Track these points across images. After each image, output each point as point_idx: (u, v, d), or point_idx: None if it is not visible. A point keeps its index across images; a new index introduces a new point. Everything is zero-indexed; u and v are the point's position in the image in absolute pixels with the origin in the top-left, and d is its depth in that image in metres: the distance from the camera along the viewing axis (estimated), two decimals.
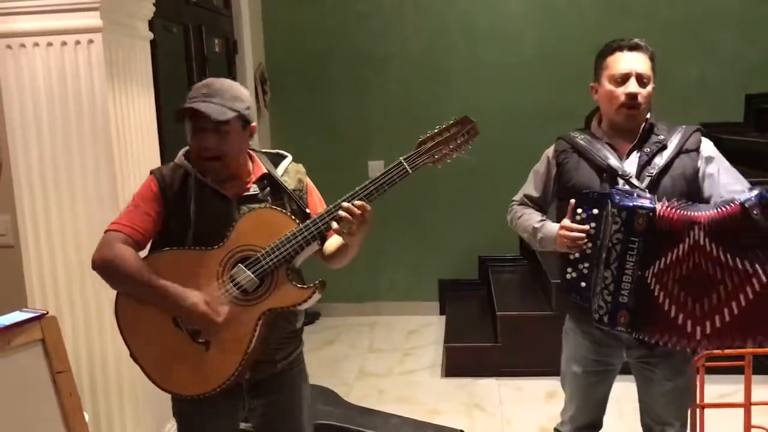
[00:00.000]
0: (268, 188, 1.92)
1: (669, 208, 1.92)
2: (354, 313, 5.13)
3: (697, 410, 2.67)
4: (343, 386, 3.87)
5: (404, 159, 1.82)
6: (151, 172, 1.94)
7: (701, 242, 1.87)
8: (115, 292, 2.62)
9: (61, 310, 2.58)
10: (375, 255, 5.12)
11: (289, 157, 2.02)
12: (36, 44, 2.50)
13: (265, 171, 1.93)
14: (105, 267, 1.83)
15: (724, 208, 1.87)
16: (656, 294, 1.94)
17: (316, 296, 1.83)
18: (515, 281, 4.79)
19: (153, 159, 2.86)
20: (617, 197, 1.98)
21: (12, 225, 2.67)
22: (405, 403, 3.72)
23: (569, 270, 2.09)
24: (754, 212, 1.81)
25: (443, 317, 4.84)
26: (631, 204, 1.95)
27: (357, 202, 1.77)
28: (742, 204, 1.84)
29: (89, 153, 2.55)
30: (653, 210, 1.92)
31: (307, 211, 1.91)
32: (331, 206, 1.82)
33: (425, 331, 4.85)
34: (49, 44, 2.49)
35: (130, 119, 2.68)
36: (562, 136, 2.24)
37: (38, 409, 1.99)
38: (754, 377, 2.76)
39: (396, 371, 4.20)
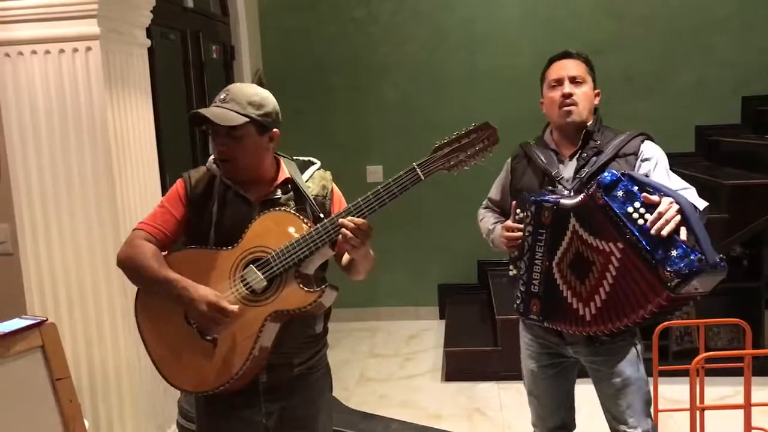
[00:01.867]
0: (291, 193, 1.94)
1: (566, 201, 2.04)
2: (354, 319, 5.12)
3: (698, 412, 2.67)
4: (343, 391, 3.87)
5: (417, 165, 1.81)
6: (181, 175, 1.99)
7: (576, 228, 2.01)
8: (114, 298, 2.64)
9: (61, 317, 2.58)
10: (374, 260, 5.11)
11: (317, 164, 2.04)
12: (34, 52, 2.50)
13: (288, 176, 1.95)
14: (125, 262, 1.89)
15: (580, 196, 2.01)
16: (557, 282, 2.06)
17: (326, 300, 1.83)
18: None
19: (151, 166, 2.87)
20: (533, 195, 2.12)
21: (11, 233, 2.67)
22: (406, 407, 3.71)
23: (511, 267, 2.20)
24: (597, 196, 1.92)
25: (443, 322, 4.83)
26: (538, 198, 2.09)
27: (357, 220, 1.78)
28: (587, 192, 1.98)
29: (88, 160, 2.56)
30: (557, 203, 2.04)
31: (322, 216, 1.91)
32: (341, 211, 1.83)
33: (425, 335, 4.85)
34: (47, 52, 2.50)
35: (128, 126, 2.68)
36: (521, 143, 2.36)
37: (38, 416, 1.99)
38: (754, 379, 2.75)
39: (396, 376, 4.19)
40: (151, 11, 2.82)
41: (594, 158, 2.14)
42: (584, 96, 2.18)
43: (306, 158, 2.06)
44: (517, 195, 2.22)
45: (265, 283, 1.82)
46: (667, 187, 1.96)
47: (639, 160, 2.13)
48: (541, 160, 2.22)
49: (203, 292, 1.81)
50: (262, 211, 1.88)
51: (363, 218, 1.80)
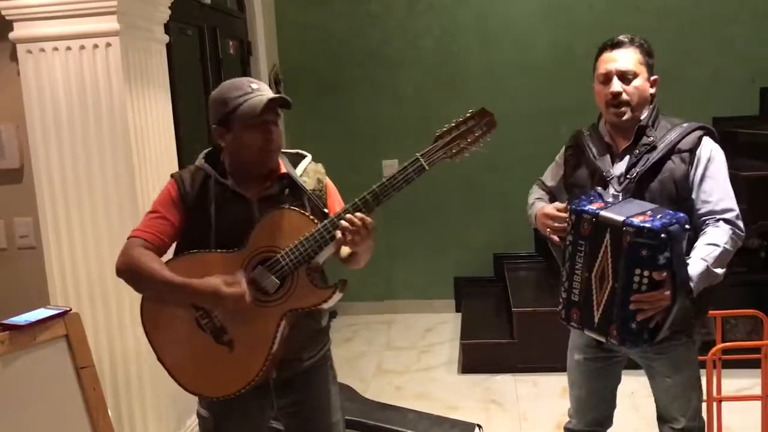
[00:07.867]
0: (288, 189, 1.92)
1: (607, 212, 1.92)
2: (371, 312, 5.15)
3: (714, 404, 2.67)
4: (360, 383, 3.90)
5: (421, 155, 1.80)
6: (172, 176, 1.95)
7: (608, 245, 1.91)
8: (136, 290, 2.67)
9: (83, 308, 2.62)
10: (391, 254, 5.14)
11: (309, 157, 2.01)
12: (55, 48, 2.55)
13: (285, 171, 1.93)
14: (127, 272, 1.85)
15: (619, 217, 1.88)
16: (593, 293, 1.97)
17: (337, 296, 1.83)
18: (531, 278, 4.80)
19: (170, 160, 2.91)
20: (576, 200, 2.02)
21: (34, 226, 2.72)
22: (422, 399, 3.74)
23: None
24: (626, 236, 1.84)
25: (459, 315, 4.85)
26: (578, 208, 1.98)
27: (358, 215, 1.77)
28: (624, 222, 1.85)
29: (108, 155, 2.60)
30: (596, 215, 1.92)
31: (326, 211, 1.90)
32: (347, 205, 1.82)
33: (441, 328, 4.87)
34: (68, 48, 2.54)
35: (147, 121, 2.72)
36: (575, 132, 2.24)
37: (63, 403, 2.04)
38: None
39: (413, 368, 4.22)
40: (169, 7, 2.85)
41: (647, 155, 2.02)
42: (636, 91, 2.03)
43: (294, 150, 2.03)
44: (571, 190, 2.15)
45: (277, 283, 1.82)
46: (691, 264, 1.89)
47: (695, 160, 2.01)
48: (594, 155, 2.10)
49: (213, 282, 1.78)
50: (262, 209, 1.86)
51: (370, 211, 1.80)
